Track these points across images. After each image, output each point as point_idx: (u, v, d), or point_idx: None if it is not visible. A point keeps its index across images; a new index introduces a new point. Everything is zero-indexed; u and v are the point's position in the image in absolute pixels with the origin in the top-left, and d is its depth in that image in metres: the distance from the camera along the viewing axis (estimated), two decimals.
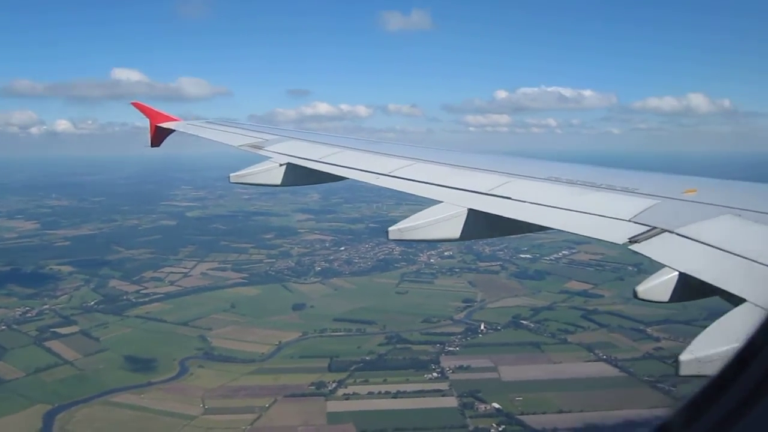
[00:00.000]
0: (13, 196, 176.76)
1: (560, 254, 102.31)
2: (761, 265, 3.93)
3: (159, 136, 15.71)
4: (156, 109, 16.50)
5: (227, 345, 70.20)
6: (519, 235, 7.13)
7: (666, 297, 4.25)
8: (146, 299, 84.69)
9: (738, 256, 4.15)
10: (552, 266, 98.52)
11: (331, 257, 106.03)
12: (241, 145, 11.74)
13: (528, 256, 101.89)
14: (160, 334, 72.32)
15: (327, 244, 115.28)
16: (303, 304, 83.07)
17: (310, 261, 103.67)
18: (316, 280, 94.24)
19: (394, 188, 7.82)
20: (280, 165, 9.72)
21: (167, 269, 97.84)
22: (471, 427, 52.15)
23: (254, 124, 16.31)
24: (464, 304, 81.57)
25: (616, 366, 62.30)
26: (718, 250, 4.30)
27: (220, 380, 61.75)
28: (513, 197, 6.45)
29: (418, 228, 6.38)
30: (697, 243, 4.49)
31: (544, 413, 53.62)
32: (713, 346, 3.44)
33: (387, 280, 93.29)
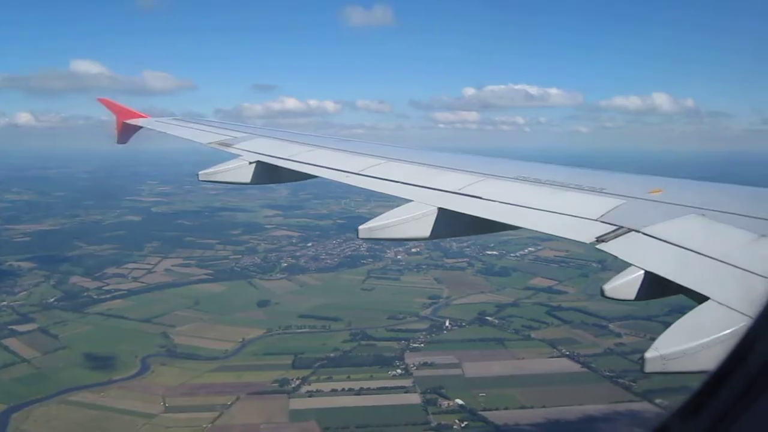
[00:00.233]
0: None
1: (526, 251, 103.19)
2: (725, 264, 4.03)
3: (126, 132, 15.72)
4: (123, 105, 16.44)
5: (190, 342, 69.26)
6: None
7: (632, 295, 4.33)
8: (108, 296, 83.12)
9: (702, 255, 4.25)
10: (518, 263, 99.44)
11: (298, 254, 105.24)
12: (209, 143, 11.73)
13: (495, 252, 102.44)
14: (121, 332, 70.96)
15: (294, 241, 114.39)
16: (268, 300, 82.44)
17: (276, 257, 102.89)
18: (282, 276, 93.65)
19: (365, 187, 7.84)
20: (250, 163, 9.70)
21: (131, 265, 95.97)
22: (434, 423, 52.35)
23: (222, 121, 16.35)
24: (430, 301, 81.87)
25: (578, 362, 63.12)
26: (683, 249, 4.42)
27: (182, 378, 60.96)
28: (483, 197, 6.55)
29: (388, 227, 6.43)
30: (663, 242, 4.61)
31: (506, 409, 54.26)
32: (678, 343, 3.52)
33: (353, 276, 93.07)
